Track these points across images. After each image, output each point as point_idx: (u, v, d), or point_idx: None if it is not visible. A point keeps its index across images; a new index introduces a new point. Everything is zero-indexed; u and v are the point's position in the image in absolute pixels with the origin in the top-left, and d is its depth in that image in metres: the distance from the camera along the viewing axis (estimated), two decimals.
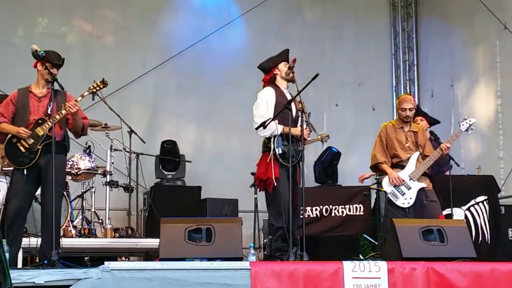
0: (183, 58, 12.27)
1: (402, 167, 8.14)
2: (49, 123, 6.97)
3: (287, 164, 7.29)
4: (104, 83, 7.38)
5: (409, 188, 8.04)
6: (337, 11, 13.52)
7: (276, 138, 7.42)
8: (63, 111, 7.03)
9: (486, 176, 9.90)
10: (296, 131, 7.36)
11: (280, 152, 7.38)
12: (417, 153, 8.18)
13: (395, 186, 8.07)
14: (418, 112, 10.10)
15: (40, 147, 7.00)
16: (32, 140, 7.00)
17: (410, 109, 8.27)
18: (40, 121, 7.05)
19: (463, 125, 8.33)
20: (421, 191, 8.04)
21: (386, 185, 8.14)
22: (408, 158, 8.15)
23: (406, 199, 8.01)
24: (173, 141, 11.27)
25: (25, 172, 7.02)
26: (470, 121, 8.33)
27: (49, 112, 7.02)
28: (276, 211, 7.39)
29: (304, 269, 6.04)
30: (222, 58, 12.70)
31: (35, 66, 7.19)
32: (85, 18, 12.27)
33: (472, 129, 8.40)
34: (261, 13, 12.62)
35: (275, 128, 7.39)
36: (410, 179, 8.05)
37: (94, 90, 7.35)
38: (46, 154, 6.95)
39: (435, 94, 13.17)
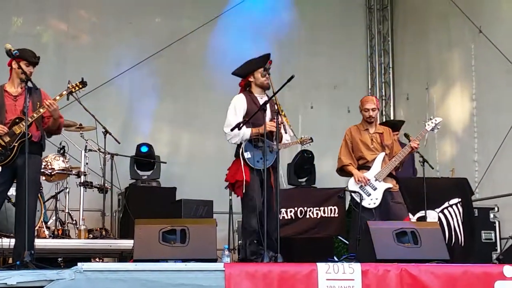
0: (158, 59, 12.25)
1: (367, 168, 8.15)
2: (27, 121, 6.91)
3: (257, 168, 7.30)
4: (83, 83, 7.35)
5: (374, 189, 8.05)
6: (314, 13, 13.53)
7: (244, 143, 7.44)
8: (41, 109, 6.98)
9: (460, 178, 9.97)
10: (267, 127, 7.30)
11: (249, 156, 7.39)
12: (383, 153, 8.19)
13: (360, 186, 8.07)
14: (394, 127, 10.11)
15: (16, 144, 6.94)
16: (8, 138, 6.94)
17: (373, 109, 8.26)
18: (17, 120, 6.99)
19: (428, 124, 8.36)
20: (387, 192, 8.05)
21: (352, 186, 8.15)
22: (374, 159, 8.16)
23: (372, 200, 8.02)
24: (149, 145, 11.22)
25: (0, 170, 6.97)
26: (436, 120, 8.36)
27: (25, 110, 6.97)
28: (249, 215, 7.40)
29: (278, 271, 6.03)
30: (197, 59, 12.70)
31: (9, 64, 7.13)
32: (60, 18, 12.23)
33: (438, 128, 8.43)
34: (237, 14, 12.62)
35: (243, 133, 7.40)
36: (376, 179, 8.05)
37: (73, 90, 7.31)
38: (22, 153, 6.87)
39: (410, 97, 13.23)
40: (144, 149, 11.14)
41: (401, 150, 8.20)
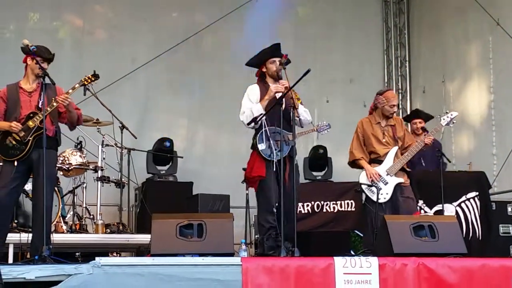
0: (174, 54, 12.25)
1: (379, 162, 8.07)
2: (40, 116, 6.94)
3: (272, 159, 7.26)
4: (95, 76, 7.35)
5: (385, 183, 7.98)
6: (329, 7, 13.52)
7: (258, 134, 7.41)
8: (54, 104, 7.00)
9: (477, 172, 9.91)
10: (273, 88, 7.34)
11: (263, 147, 7.35)
12: (395, 148, 8.09)
13: (372, 181, 8.01)
14: (419, 115, 10.09)
15: (31, 138, 6.97)
16: (23, 133, 6.97)
17: (397, 106, 8.32)
18: (31, 115, 7.02)
19: (443, 119, 8.27)
20: (397, 186, 7.99)
21: (363, 180, 8.08)
22: (386, 153, 8.07)
23: (382, 194, 7.94)
24: (171, 140, 11.23)
25: (15, 164, 6.99)
26: (451, 115, 8.28)
27: (40, 105, 7.00)
28: (264, 210, 7.39)
29: (295, 265, 6.04)
30: (213, 54, 12.71)
31: (25, 61, 7.16)
32: (76, 14, 12.28)
33: (453, 122, 8.34)
34: (253, 9, 12.61)
35: (256, 109, 7.39)
36: (387, 174, 7.99)
37: (86, 83, 7.31)
38: (37, 147, 6.91)
39: (426, 90, 13.19)
40: (167, 143, 11.13)
41: (414, 145, 8.11)
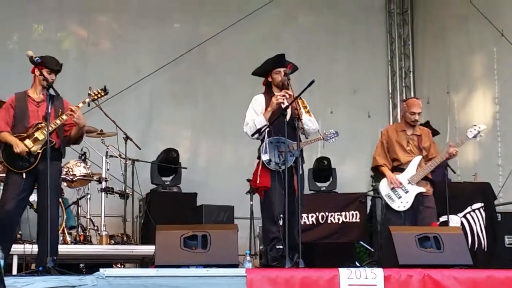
0: (178, 65, 12.26)
1: (401, 170, 8.02)
2: (50, 127, 6.94)
3: (276, 170, 7.24)
4: (105, 91, 7.37)
5: (406, 192, 7.93)
6: (333, 17, 13.50)
7: (262, 144, 7.38)
8: (64, 117, 7.00)
9: (483, 183, 9.90)
10: (274, 99, 7.32)
11: (267, 158, 7.32)
12: (419, 157, 8.04)
13: (392, 188, 7.96)
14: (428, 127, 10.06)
15: (40, 151, 6.97)
16: (32, 144, 6.97)
17: (419, 113, 8.13)
18: (39, 126, 7.02)
19: (470, 131, 8.09)
20: (418, 195, 7.94)
21: (383, 187, 8.04)
22: (409, 162, 8.02)
23: (402, 203, 7.91)
24: (176, 150, 11.24)
25: (24, 176, 6.99)
26: (479, 128, 8.09)
27: (47, 117, 6.99)
28: (268, 221, 7.36)
29: (300, 276, 6.02)
30: (217, 65, 12.71)
31: (33, 71, 7.17)
32: (80, 25, 12.29)
33: (481, 136, 8.17)
34: (256, 19, 12.62)
35: (258, 120, 7.38)
36: (409, 182, 7.94)
37: (96, 98, 7.34)
38: (43, 159, 6.91)
39: (431, 101, 13.14)
40: (174, 154, 11.15)
41: (439, 155, 8.04)
